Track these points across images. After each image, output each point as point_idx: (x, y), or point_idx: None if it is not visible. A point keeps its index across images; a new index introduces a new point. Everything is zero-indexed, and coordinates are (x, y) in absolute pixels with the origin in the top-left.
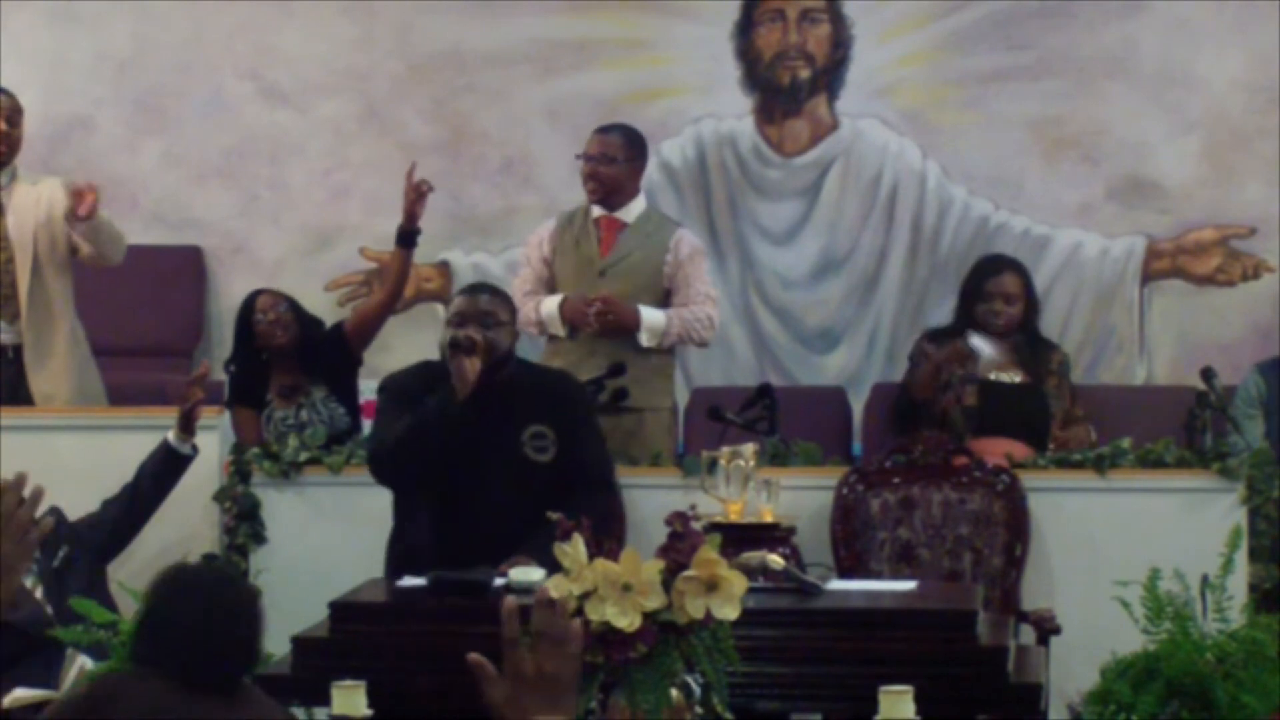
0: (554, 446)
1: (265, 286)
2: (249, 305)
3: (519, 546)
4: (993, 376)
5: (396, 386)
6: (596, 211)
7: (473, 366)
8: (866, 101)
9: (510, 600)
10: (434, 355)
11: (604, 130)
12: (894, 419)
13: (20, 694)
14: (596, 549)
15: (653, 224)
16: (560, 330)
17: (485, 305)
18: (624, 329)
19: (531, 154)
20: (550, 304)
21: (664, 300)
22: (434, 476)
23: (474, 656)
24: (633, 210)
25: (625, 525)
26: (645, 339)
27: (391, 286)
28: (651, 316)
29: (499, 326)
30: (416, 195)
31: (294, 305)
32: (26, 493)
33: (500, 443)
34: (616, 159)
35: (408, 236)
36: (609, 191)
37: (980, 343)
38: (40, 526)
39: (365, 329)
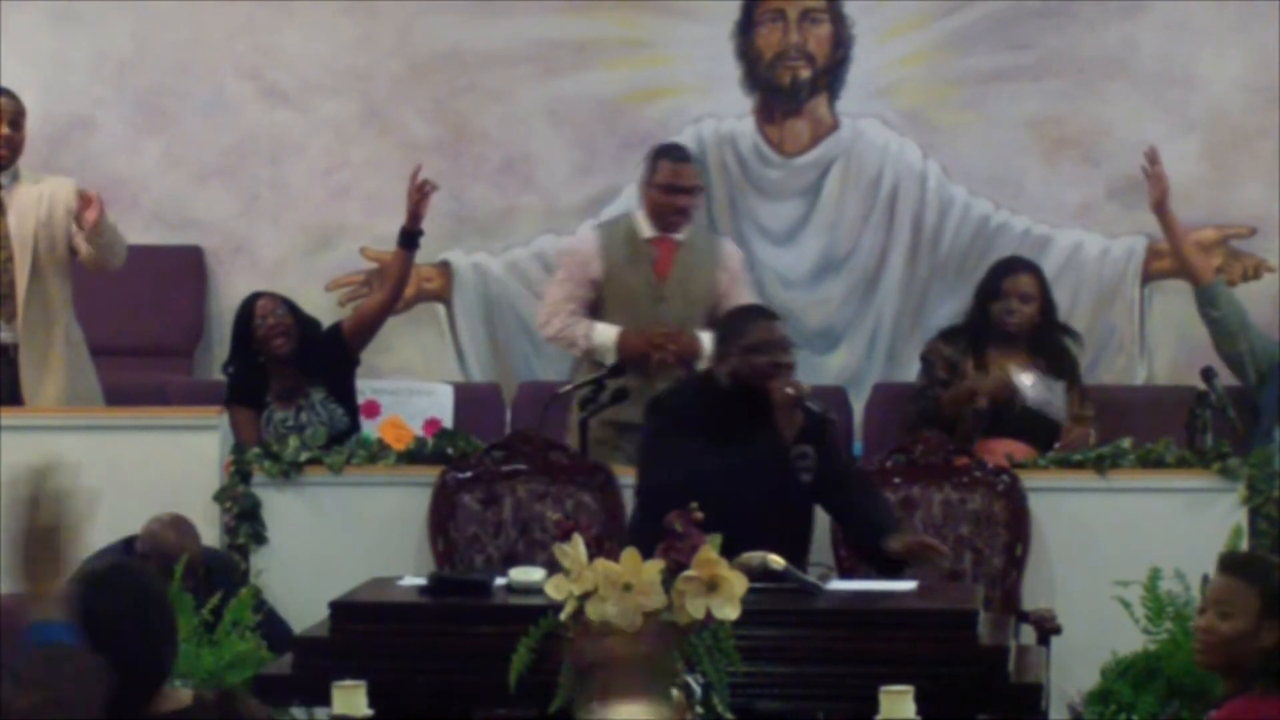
0: (814, 467)
1: (264, 289)
2: (248, 309)
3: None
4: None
5: (669, 408)
6: (649, 231)
7: (799, 388)
8: (867, 101)
9: None
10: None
11: (681, 159)
12: (915, 421)
13: None
14: (597, 549)
15: (700, 238)
16: (609, 359)
17: (783, 332)
18: (689, 360)
19: (532, 154)
20: (605, 334)
21: (713, 314)
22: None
23: None
24: (684, 227)
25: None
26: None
27: (392, 287)
28: (710, 343)
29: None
30: (420, 196)
31: (293, 308)
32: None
33: (773, 464)
34: (702, 187)
35: (410, 237)
36: (690, 220)
37: (1025, 379)
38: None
39: (364, 329)
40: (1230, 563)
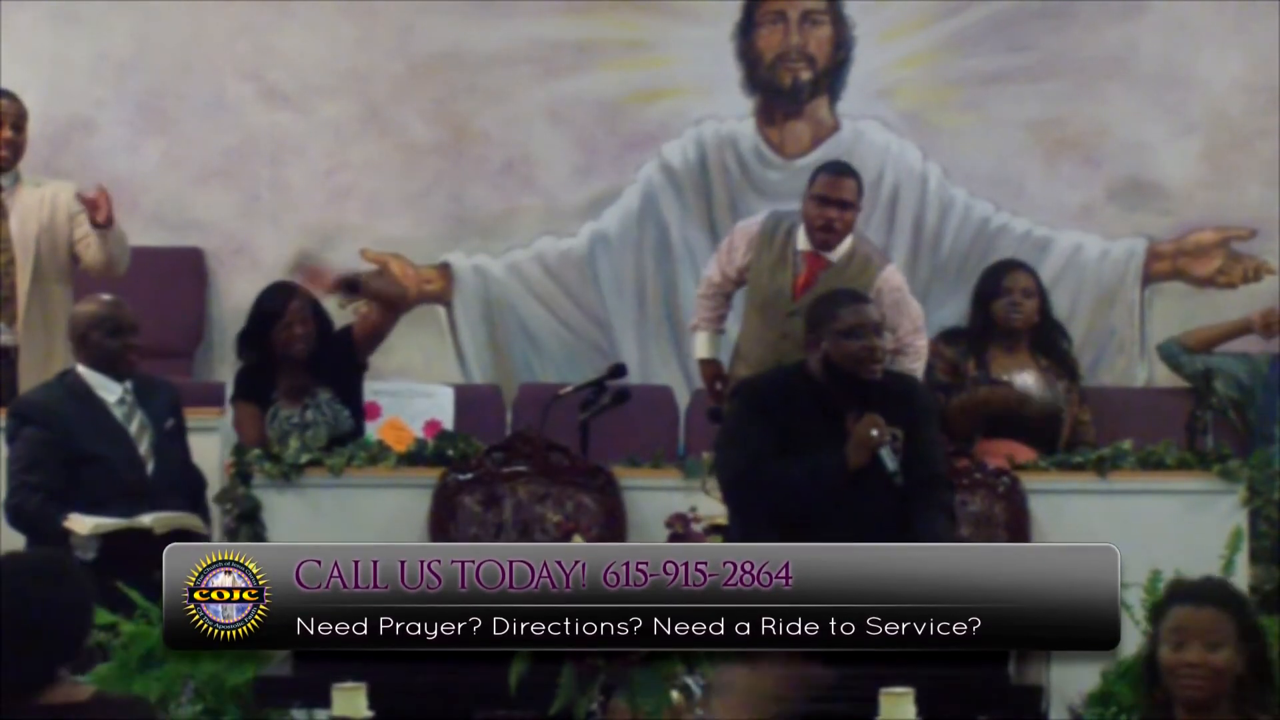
0: (901, 450)
1: (283, 284)
2: (279, 305)
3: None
4: (1004, 377)
5: (755, 396)
6: (803, 243)
7: (880, 437)
8: (867, 103)
9: None
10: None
11: (840, 172)
12: None
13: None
14: None
15: (856, 265)
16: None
17: (874, 315)
18: None
19: (532, 155)
20: (699, 347)
21: None
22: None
23: None
24: (839, 249)
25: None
26: None
27: (382, 305)
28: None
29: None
30: (313, 276)
31: (317, 310)
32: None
33: (830, 484)
34: (855, 205)
35: (344, 289)
36: (842, 239)
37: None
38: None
39: (372, 337)
40: (1203, 593)
